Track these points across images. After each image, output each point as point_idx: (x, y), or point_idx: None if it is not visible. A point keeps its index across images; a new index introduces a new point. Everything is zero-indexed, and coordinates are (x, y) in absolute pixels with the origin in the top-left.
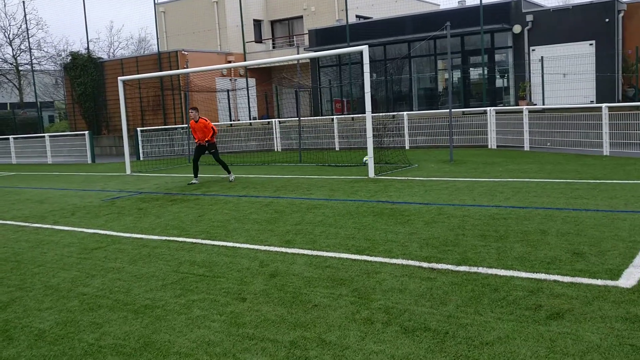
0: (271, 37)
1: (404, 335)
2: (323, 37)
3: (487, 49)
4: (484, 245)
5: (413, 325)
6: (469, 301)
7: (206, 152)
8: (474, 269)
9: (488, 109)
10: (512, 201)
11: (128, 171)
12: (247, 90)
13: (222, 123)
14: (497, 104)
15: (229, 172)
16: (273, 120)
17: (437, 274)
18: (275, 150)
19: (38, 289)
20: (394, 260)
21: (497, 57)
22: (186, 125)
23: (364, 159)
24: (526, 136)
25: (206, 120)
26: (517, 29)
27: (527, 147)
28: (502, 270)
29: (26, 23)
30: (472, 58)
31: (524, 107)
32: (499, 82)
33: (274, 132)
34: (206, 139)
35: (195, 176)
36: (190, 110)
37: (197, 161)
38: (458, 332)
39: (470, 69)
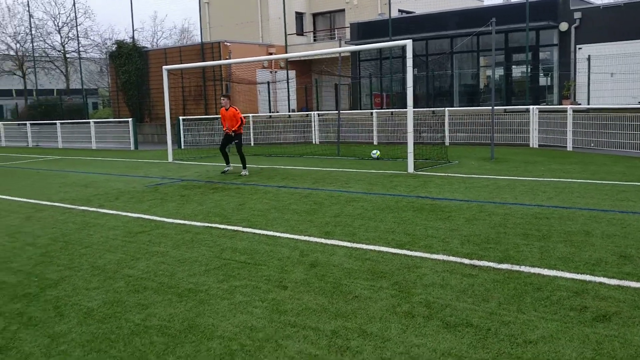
0: (313, 29)
1: (446, 330)
2: (365, 30)
3: (531, 47)
4: (526, 244)
5: (455, 321)
6: (512, 299)
7: (232, 142)
8: (516, 267)
9: (531, 107)
10: (555, 201)
11: (170, 159)
12: (287, 82)
13: (262, 114)
14: (540, 103)
15: (244, 167)
16: (312, 112)
17: (478, 270)
18: (314, 142)
19: (86, 269)
20: (434, 256)
21: (542, 55)
22: None
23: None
24: (569, 136)
25: (236, 110)
26: (563, 26)
27: (570, 147)
28: (545, 269)
29: (75, 12)
30: (515, 55)
31: (568, 106)
32: (542, 81)
33: (313, 124)
34: (233, 129)
35: (227, 164)
36: (222, 98)
37: (225, 149)
38: (500, 330)
39: (513, 66)
